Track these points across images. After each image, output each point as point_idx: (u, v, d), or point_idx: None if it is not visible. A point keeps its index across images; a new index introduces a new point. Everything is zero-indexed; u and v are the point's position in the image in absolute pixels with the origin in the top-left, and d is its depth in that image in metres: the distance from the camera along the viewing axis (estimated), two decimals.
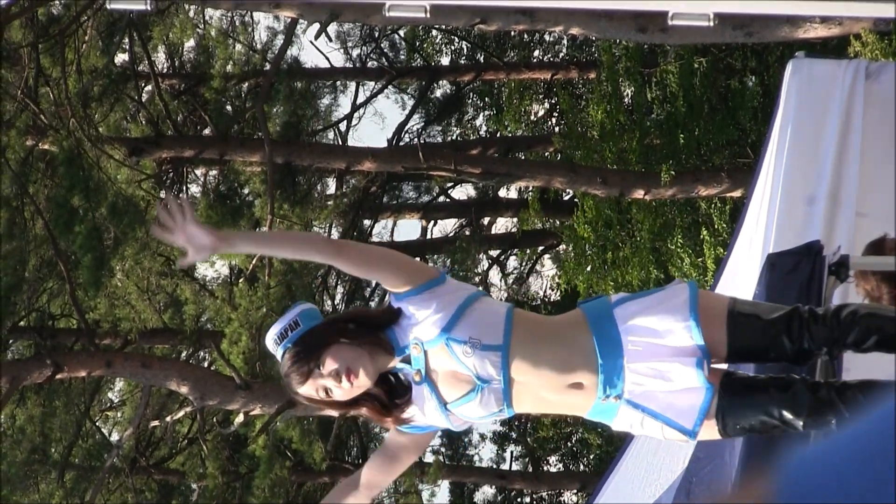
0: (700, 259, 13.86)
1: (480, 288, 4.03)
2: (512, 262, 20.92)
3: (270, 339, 3.66)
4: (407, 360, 3.69)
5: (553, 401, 3.70)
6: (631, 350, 3.62)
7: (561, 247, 18.72)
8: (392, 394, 3.74)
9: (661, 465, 5.54)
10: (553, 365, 3.62)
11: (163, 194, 15.47)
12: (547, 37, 19.05)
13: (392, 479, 3.94)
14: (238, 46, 16.74)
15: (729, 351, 3.68)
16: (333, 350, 3.58)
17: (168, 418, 15.72)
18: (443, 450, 19.11)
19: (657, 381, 3.63)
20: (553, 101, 19.34)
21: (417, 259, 3.81)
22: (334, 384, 3.58)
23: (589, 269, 14.85)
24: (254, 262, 14.79)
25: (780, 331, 3.67)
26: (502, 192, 19.46)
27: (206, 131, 16.47)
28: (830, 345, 3.69)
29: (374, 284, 19.31)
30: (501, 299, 18.84)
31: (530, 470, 19.69)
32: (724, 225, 13.81)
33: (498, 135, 19.29)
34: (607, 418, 3.72)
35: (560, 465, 20.38)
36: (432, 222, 19.65)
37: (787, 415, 3.64)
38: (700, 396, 3.64)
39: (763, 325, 3.68)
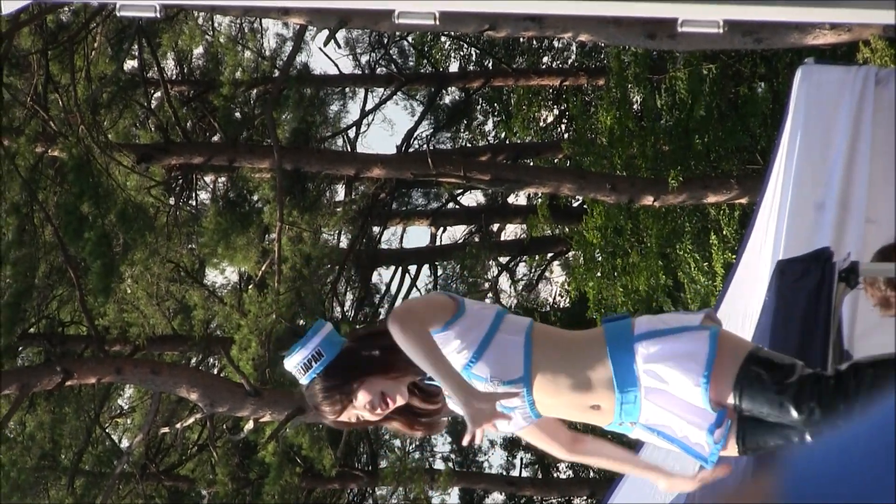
0: (708, 265, 13.83)
1: (499, 306, 4.05)
2: (521, 269, 20.91)
3: (293, 367, 3.66)
4: None
5: (573, 416, 3.78)
6: (648, 387, 3.64)
7: (570, 253, 18.69)
8: (425, 397, 3.82)
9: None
10: (573, 389, 3.67)
11: (171, 200, 15.51)
12: (556, 43, 19.04)
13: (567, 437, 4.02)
14: (247, 53, 16.76)
15: (735, 408, 3.66)
16: (366, 385, 3.62)
17: (178, 425, 15.70)
18: (452, 456, 19.08)
19: (672, 417, 3.67)
20: (562, 108, 19.33)
21: (438, 293, 3.87)
22: (369, 413, 3.65)
23: (598, 275, 14.83)
24: (263, 268, 14.79)
25: (789, 397, 3.58)
26: (511, 199, 19.45)
27: (216, 138, 16.48)
28: (842, 413, 3.62)
29: (383, 291, 19.32)
30: (510, 306, 18.82)
31: (540, 477, 19.66)
32: (733, 231, 13.78)
33: (507, 141, 19.27)
34: (624, 432, 3.80)
35: (570, 472, 20.34)
36: (441, 229, 19.63)
37: (809, 440, 3.63)
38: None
39: (772, 389, 3.59)
